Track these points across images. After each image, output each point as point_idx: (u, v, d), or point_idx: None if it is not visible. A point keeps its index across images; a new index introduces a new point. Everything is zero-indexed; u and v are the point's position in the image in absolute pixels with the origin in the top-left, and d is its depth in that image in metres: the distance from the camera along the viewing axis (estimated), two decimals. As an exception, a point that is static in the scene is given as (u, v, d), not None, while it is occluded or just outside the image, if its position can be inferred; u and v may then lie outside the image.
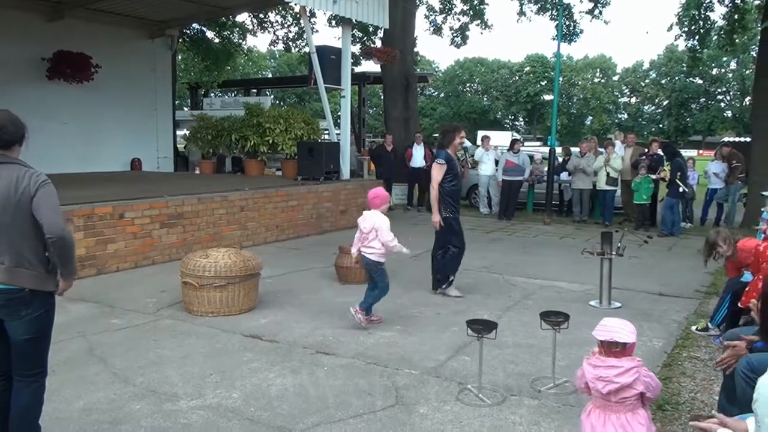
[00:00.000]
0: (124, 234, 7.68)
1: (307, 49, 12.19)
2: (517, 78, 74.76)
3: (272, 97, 43.96)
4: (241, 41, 22.06)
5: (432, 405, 3.98)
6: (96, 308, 6.05)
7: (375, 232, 5.61)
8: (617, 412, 2.86)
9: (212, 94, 27.32)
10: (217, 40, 20.56)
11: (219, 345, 5.05)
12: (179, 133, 19.39)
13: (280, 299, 6.46)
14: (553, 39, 14.07)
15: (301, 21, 17.29)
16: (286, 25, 21.94)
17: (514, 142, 14.08)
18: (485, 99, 77.43)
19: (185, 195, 8.65)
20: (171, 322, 5.67)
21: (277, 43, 22.48)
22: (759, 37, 12.93)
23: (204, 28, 19.82)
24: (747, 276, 4.94)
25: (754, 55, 14.09)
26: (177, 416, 3.76)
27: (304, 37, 17.72)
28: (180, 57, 23.46)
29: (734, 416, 2.74)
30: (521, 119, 78.48)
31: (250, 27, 21.74)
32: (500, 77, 75.60)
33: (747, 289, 4.65)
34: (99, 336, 5.21)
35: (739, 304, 4.85)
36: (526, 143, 29.42)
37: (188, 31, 19.16)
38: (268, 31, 22.19)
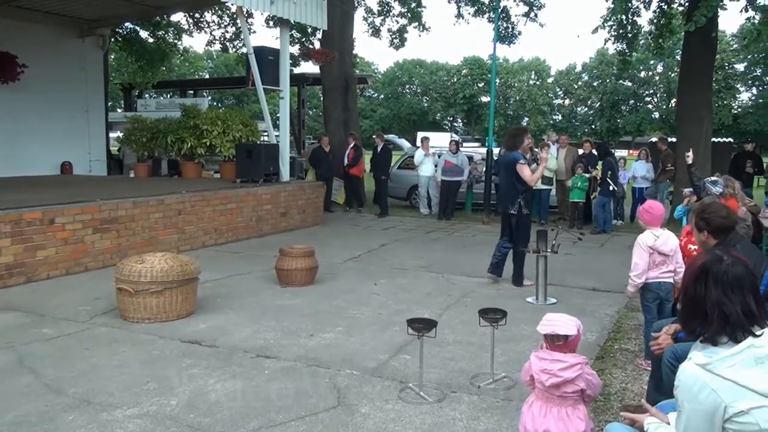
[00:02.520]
0: (54, 240, 7.40)
1: (244, 50, 12.03)
2: (455, 80, 75.82)
3: (210, 98, 43.19)
4: (176, 41, 21.57)
5: (374, 404, 4.00)
6: (25, 317, 5.82)
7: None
8: (559, 405, 2.96)
9: (147, 95, 26.68)
10: (151, 40, 20.03)
11: (156, 352, 4.94)
12: (112, 135, 18.83)
13: (219, 303, 6.36)
14: (493, 41, 14.23)
15: (238, 21, 17.08)
16: (222, 26, 21.58)
17: (452, 143, 14.28)
18: (424, 100, 78.25)
19: (119, 199, 8.42)
20: (106, 329, 5.50)
21: (214, 43, 22.06)
22: (682, 42, 13.52)
23: (137, 28, 19.29)
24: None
25: (679, 59, 14.71)
26: (113, 426, 3.66)
27: (242, 37, 17.46)
28: (112, 57, 22.78)
29: (662, 402, 2.88)
30: (460, 120, 79.63)
31: (186, 27, 21.33)
32: (439, 79, 76.55)
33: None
34: (29, 346, 5.02)
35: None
36: (465, 144, 29.89)
37: (121, 31, 18.61)
38: (205, 31, 21.80)
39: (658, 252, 4.73)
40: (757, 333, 2.05)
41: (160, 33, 20.18)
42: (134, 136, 13.14)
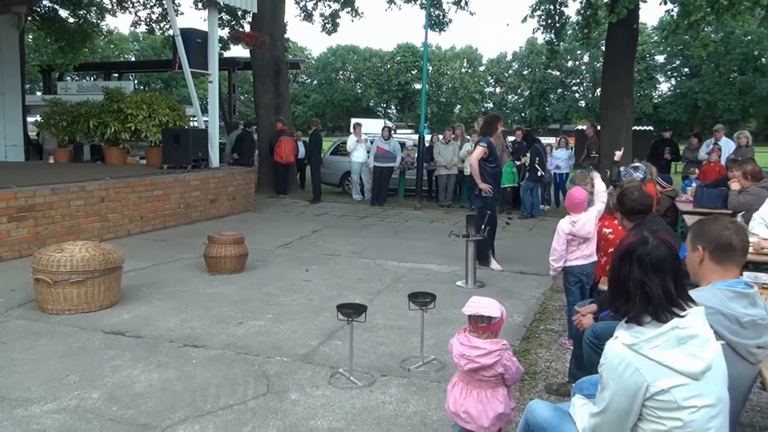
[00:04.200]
0: (-35, 229, 7.01)
1: (171, 32, 11.64)
2: (388, 66, 75.96)
3: (136, 81, 41.73)
4: (99, 21, 20.70)
5: (304, 391, 3.99)
6: (-67, 311, 5.49)
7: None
8: (479, 387, 3.02)
9: (68, 78, 25.46)
10: (72, 20, 19.13)
11: (77, 344, 4.76)
12: (30, 119, 17.90)
13: (144, 293, 6.18)
14: (424, 28, 14.29)
15: (165, 2, 16.51)
16: (148, 6, 20.84)
17: (384, 129, 14.30)
18: (358, 87, 78.10)
19: (37, 186, 8.03)
20: (22, 322, 5.25)
21: (140, 24, 21.30)
22: (606, 33, 13.96)
23: (56, 6, 18.37)
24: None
25: (604, 49, 15.18)
26: (29, 422, 3.50)
27: (168, 19, 16.89)
28: (30, 37, 21.64)
29: (582, 378, 2.99)
30: (393, 107, 79.91)
31: (109, 6, 20.45)
32: (372, 66, 76.51)
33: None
34: (-64, 341, 4.74)
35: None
36: (398, 131, 30.01)
37: (39, 9, 17.68)
38: (129, 12, 20.99)
39: (576, 236, 4.91)
40: (681, 314, 2.11)
41: (82, 12, 19.29)
42: (54, 120, 12.55)
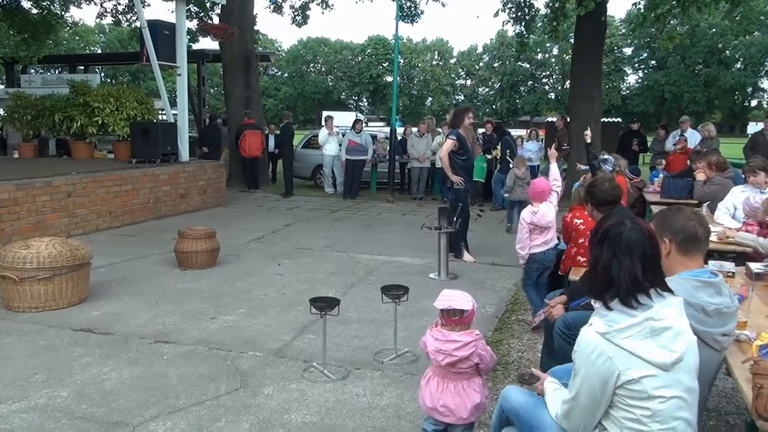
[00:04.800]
0: (-74, 226, 6.82)
1: (138, 24, 11.44)
2: (359, 59, 75.75)
3: (102, 74, 41.00)
4: (63, 12, 20.21)
5: (277, 385, 3.98)
6: None
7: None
8: (455, 380, 3.03)
9: (32, 71, 24.85)
10: (35, 11, 18.66)
11: (45, 342, 4.67)
12: (-7, 113, 17.46)
13: (114, 289, 6.09)
14: (395, 20, 14.26)
15: (131, -7, 16.22)
16: (114, -3, 20.42)
17: (356, 122, 14.27)
18: (329, 79, 77.75)
19: (1, 181, 7.84)
20: (-13, 320, 5.15)
21: (105, 16, 20.84)
22: (575, 26, 14.09)
23: (18, -3, 17.92)
24: (562, 245, 5.41)
25: (573, 41, 15.33)
26: (-4, 422, 3.44)
27: (135, 10, 16.58)
28: (-9, 28, 21.07)
29: (554, 368, 3.02)
30: (365, 100, 79.75)
31: (73, -3, 19.99)
32: (344, 58, 76.23)
33: (563, 257, 5.11)
34: None
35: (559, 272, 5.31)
36: (370, 123, 29.94)
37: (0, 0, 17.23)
38: (95, 3, 20.52)
39: (537, 225, 5.19)
40: (643, 302, 2.13)
41: (45, 3, 18.83)
42: (17, 114, 12.25)
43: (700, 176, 7.27)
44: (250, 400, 3.76)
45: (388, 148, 13.77)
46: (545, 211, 5.20)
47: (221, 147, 15.30)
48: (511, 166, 12.10)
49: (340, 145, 13.80)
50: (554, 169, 5.73)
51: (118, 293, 5.97)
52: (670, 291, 2.22)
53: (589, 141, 7.55)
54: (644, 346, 2.07)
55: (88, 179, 8.99)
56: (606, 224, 2.35)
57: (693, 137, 11.88)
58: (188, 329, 5.00)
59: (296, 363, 4.34)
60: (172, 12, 12.94)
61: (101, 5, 20.53)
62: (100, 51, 61.19)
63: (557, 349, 3.63)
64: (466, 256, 7.66)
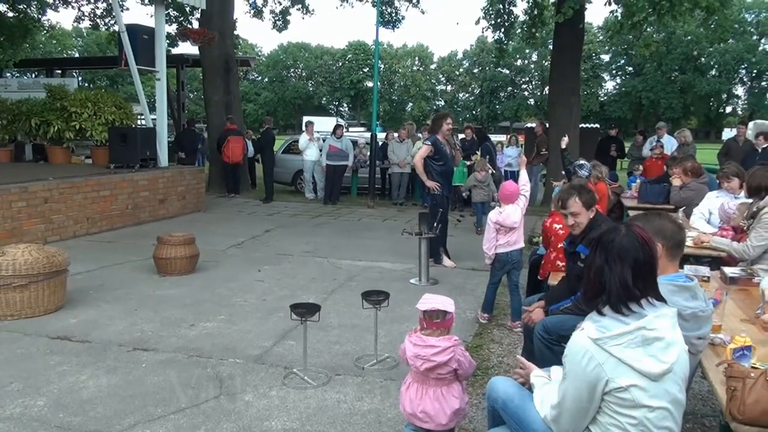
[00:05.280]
0: None
1: (116, 28, 11.35)
2: (340, 64, 75.78)
3: (80, 78, 40.56)
4: (40, 16, 20.02)
5: (258, 392, 3.96)
6: None
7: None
8: (434, 386, 3.04)
9: (8, 74, 24.51)
10: (11, 14, 18.44)
11: (21, 350, 4.61)
12: (-33, 117, 17.17)
13: (92, 296, 6.02)
14: (376, 25, 14.31)
15: (109, -3, 16.09)
16: (92, 1, 20.26)
17: (337, 127, 14.27)
18: (310, 85, 77.67)
19: (-25, 187, 7.74)
20: (-39, 329, 5.07)
21: (83, 19, 20.67)
22: (554, 32, 14.24)
23: (-7, 0, 17.71)
24: (541, 249, 5.47)
25: (551, 48, 15.49)
26: (-30, 432, 3.39)
27: (113, 14, 16.45)
28: (-34, 32, 20.78)
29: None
30: (345, 105, 79.77)
31: (50, 0, 19.79)
32: (324, 63, 76.20)
33: (543, 262, 5.15)
34: None
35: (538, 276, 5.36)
36: (351, 129, 29.93)
37: (-26, 3, 17.02)
38: (72, 6, 20.36)
39: (503, 225, 5.38)
40: (635, 310, 2.14)
41: (21, 6, 18.63)
42: (-7, 118, 12.08)
43: (675, 182, 7.37)
44: (230, 407, 3.74)
45: (368, 153, 13.79)
46: (510, 212, 5.38)
47: (198, 152, 15.24)
48: (491, 172, 12.20)
49: (320, 150, 13.79)
50: (523, 174, 5.89)
51: (96, 300, 5.90)
52: (663, 301, 2.23)
53: (564, 147, 7.66)
54: (634, 355, 2.07)
55: (65, 185, 8.89)
56: (601, 231, 2.36)
57: (669, 143, 12.06)
58: (167, 336, 4.96)
59: (277, 369, 4.33)
60: (151, 16, 12.89)
61: (79, 9, 20.39)
62: (77, 55, 60.52)
63: (537, 353, 3.65)
64: (447, 262, 7.69)
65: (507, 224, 5.38)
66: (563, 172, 8.05)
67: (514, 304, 5.47)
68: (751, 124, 16.22)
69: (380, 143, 14.21)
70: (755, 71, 65.59)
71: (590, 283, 2.24)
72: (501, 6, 14.73)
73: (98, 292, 6.16)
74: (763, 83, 67.30)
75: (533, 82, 72.81)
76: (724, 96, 69.30)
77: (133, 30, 11.04)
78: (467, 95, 77.12)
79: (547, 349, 3.59)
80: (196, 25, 17.37)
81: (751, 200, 4.83)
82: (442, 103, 75.84)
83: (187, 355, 4.56)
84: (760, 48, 64.95)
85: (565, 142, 7.77)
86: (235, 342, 4.86)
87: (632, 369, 2.07)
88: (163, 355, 4.56)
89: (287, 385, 4.07)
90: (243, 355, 4.58)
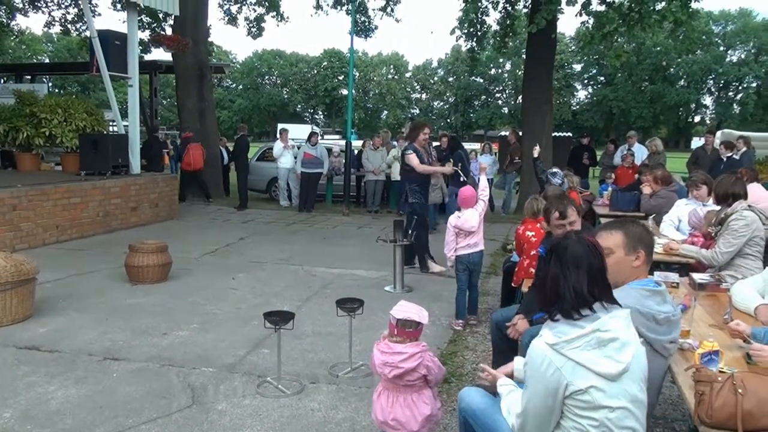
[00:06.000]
0: None
1: (88, 33, 11.22)
2: (315, 72, 75.73)
3: (50, 84, 39.96)
4: (9, 21, 19.70)
5: (231, 401, 3.92)
6: None
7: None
8: (404, 393, 3.05)
9: (-25, 80, 24.08)
10: (-22, 19, 18.17)
11: (-13, 361, 4.51)
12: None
13: (61, 305, 5.92)
14: (350, 34, 14.36)
15: (80, 2, 15.90)
16: (63, 6, 20.00)
17: (311, 135, 14.24)
18: (284, 92, 77.45)
19: (-59, 194, 7.57)
20: (-75, 339, 4.94)
21: (54, 25, 20.37)
22: (527, 42, 14.40)
23: (-39, 4, 17.40)
24: (515, 257, 5.51)
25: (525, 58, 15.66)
26: (-67, 445, 3.30)
27: (85, 19, 16.25)
28: (-68, 36, 20.41)
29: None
30: (320, 113, 79.68)
31: (20, 5, 19.50)
32: (299, 71, 76.06)
33: (516, 269, 5.19)
34: None
35: (512, 284, 5.39)
36: (326, 136, 29.90)
37: (-59, 7, 16.69)
38: (42, 11, 20.09)
39: (461, 229, 5.60)
40: (585, 314, 2.17)
41: (-11, 11, 18.35)
42: (-41, 124, 11.82)
43: (646, 190, 7.49)
44: (202, 417, 3.70)
45: (343, 161, 13.78)
46: (468, 217, 5.59)
47: (162, 159, 15.13)
48: (462, 179, 12.27)
49: (295, 157, 13.75)
50: (483, 180, 6.19)
51: (66, 309, 5.80)
52: (617, 303, 2.27)
53: (536, 155, 7.76)
54: (591, 357, 2.11)
55: (34, 192, 8.74)
56: (555, 240, 2.41)
57: (640, 152, 12.26)
58: (139, 345, 4.89)
59: (250, 378, 4.29)
60: (124, 22, 12.76)
61: (50, 14, 20.12)
62: (48, 60, 59.60)
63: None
64: (435, 267, 7.67)
65: (465, 228, 5.59)
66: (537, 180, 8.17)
67: (471, 301, 5.79)
68: (719, 134, 16.56)
69: (356, 151, 14.23)
70: (722, 82, 67.11)
71: (547, 292, 2.27)
72: (474, 15, 14.87)
73: (68, 301, 6.06)
74: (730, 93, 68.88)
75: (507, 91, 73.51)
76: (693, 106, 70.71)
77: (105, 36, 10.93)
78: (442, 103, 77.56)
79: None
80: (169, 31, 17.23)
81: (719, 207, 4.94)
82: (417, 111, 76.13)
83: (159, 365, 4.50)
84: (727, 59, 66.53)
85: (537, 151, 7.90)
86: (208, 351, 4.81)
87: (590, 371, 2.10)
88: (135, 365, 4.49)
89: (261, 393, 4.04)
90: (216, 364, 4.53)
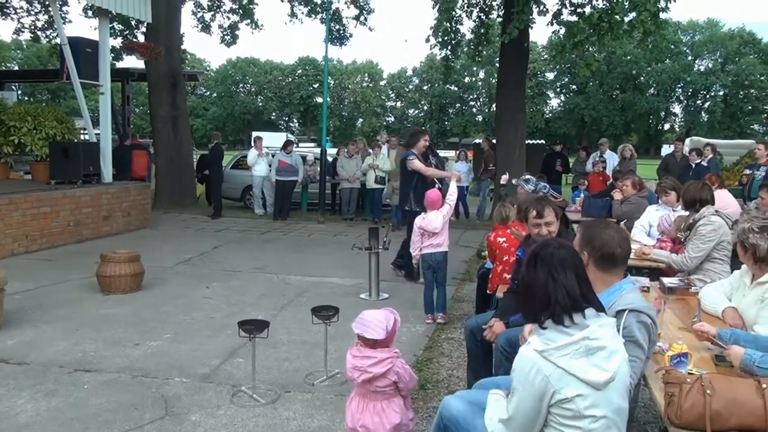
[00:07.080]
0: None
1: (58, 40, 11.07)
2: (290, 80, 75.56)
3: (20, 92, 39.29)
4: (-24, 27, 19.38)
5: (205, 411, 3.88)
6: None
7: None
8: (374, 400, 3.04)
9: (-59, 87, 23.57)
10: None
11: (-47, 374, 4.41)
12: None
13: (31, 316, 5.81)
14: (324, 42, 14.36)
15: (50, 8, 15.69)
16: (32, 12, 19.70)
17: (286, 143, 14.20)
18: (259, 100, 77.13)
19: None
20: None
21: (23, 31, 20.07)
22: (499, 51, 14.56)
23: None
24: (489, 264, 5.54)
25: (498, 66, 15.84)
26: None
27: (55, 26, 16.03)
28: None
29: (482, 380, 3.06)
30: (295, 120, 79.50)
31: (-12, 12, 19.18)
32: (274, 78, 75.81)
33: (490, 276, 5.23)
34: None
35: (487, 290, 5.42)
36: (301, 144, 29.81)
37: None
38: (12, 18, 19.76)
39: (425, 230, 5.93)
40: (577, 321, 2.18)
41: (-44, 17, 18.01)
42: (-75, 132, 11.56)
43: (617, 196, 7.60)
44: (175, 428, 3.65)
45: (318, 169, 13.75)
46: (432, 219, 5.93)
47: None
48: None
49: (270, 165, 13.69)
50: (452, 185, 6.43)
51: (35, 320, 5.70)
52: (604, 311, 2.29)
53: (503, 183, 7.89)
54: (579, 365, 2.11)
55: (2, 201, 8.57)
56: (533, 248, 2.41)
57: (611, 158, 12.45)
58: (111, 356, 4.82)
59: (225, 388, 4.25)
60: (95, 29, 12.61)
61: (19, 21, 19.81)
62: (17, 67, 58.65)
63: (496, 366, 3.67)
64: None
65: (429, 229, 5.93)
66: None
67: (439, 299, 6.02)
68: (687, 141, 16.87)
69: (331, 159, 14.21)
70: (690, 90, 68.47)
71: (535, 299, 2.26)
72: (449, 24, 14.99)
73: (37, 312, 5.95)
74: (698, 102, 70.28)
75: (481, 99, 74.12)
76: (663, 114, 71.99)
77: (76, 43, 10.80)
78: (417, 111, 77.85)
79: (507, 362, 3.59)
80: (142, 38, 17.08)
81: (687, 213, 5.03)
82: (392, 119, 76.33)
83: (132, 376, 4.44)
84: (695, 68, 67.93)
85: (505, 179, 7.99)
86: (182, 361, 4.76)
87: (577, 379, 2.10)
88: (106, 376, 4.42)
89: (235, 403, 4.01)
90: (190, 374, 4.48)
